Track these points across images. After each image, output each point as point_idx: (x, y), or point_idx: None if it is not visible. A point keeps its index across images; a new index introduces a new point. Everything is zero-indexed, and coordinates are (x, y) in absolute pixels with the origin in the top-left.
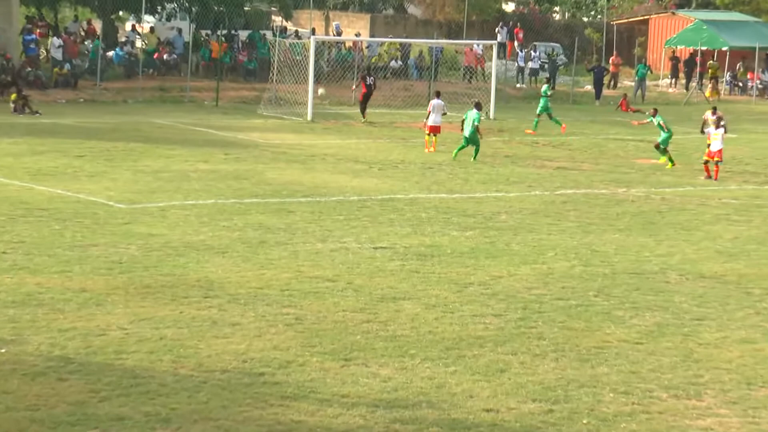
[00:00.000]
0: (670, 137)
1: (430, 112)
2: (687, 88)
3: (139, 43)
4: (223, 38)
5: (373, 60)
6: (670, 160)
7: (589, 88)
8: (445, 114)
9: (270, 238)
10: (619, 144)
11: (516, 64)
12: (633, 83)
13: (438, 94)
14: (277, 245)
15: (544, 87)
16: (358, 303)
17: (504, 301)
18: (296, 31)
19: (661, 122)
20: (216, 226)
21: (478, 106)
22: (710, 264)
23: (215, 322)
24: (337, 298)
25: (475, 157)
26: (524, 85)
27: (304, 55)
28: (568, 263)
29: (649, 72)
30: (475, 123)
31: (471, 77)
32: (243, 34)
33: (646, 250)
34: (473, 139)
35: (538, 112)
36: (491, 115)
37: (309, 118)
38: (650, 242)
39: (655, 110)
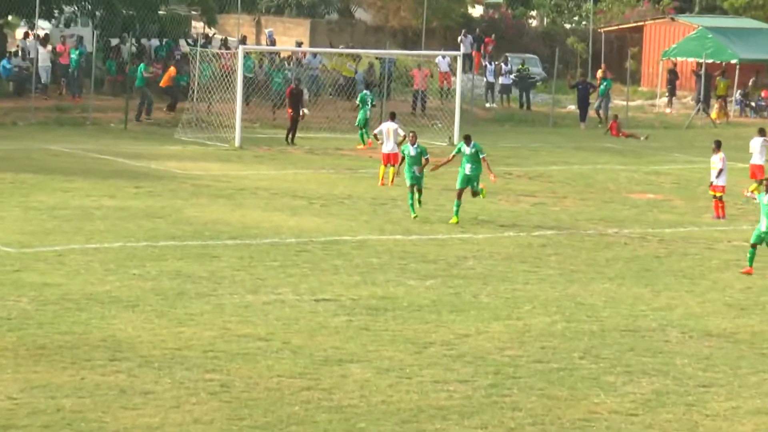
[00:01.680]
0: None
1: (377, 137)
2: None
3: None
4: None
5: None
6: None
7: (573, 108)
8: (403, 140)
9: (190, 289)
10: (608, 175)
11: (484, 80)
12: (615, 102)
13: (392, 116)
14: (198, 297)
15: (362, 95)
16: (296, 367)
17: (471, 365)
18: (224, 39)
19: None
20: (125, 274)
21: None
22: (718, 319)
23: (124, 391)
24: (271, 360)
25: (419, 203)
26: (494, 105)
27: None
28: (549, 318)
29: (593, 90)
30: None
31: (423, 104)
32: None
33: (642, 303)
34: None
35: (356, 124)
36: (455, 140)
37: (237, 143)
38: (646, 293)
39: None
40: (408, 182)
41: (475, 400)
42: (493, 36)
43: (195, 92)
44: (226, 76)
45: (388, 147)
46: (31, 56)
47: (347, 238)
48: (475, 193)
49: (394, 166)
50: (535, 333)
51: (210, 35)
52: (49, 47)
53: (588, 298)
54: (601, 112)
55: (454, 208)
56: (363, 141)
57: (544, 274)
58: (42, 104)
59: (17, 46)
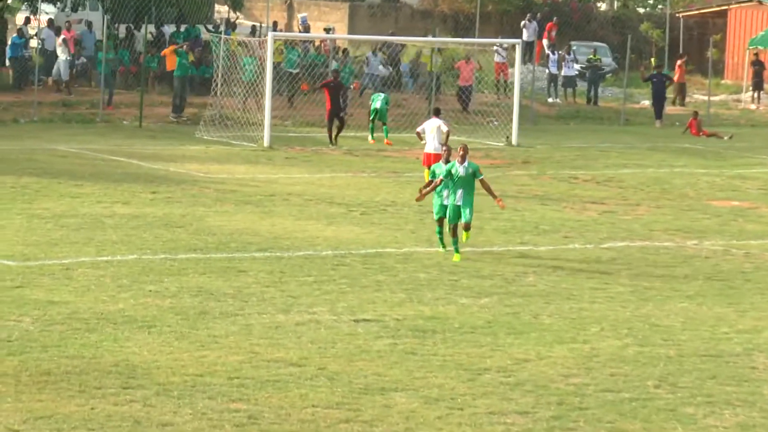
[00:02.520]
0: None
1: (420, 135)
2: None
3: (35, 43)
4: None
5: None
6: None
7: (647, 104)
8: (447, 137)
9: (213, 308)
10: (687, 180)
11: (547, 71)
12: (707, 97)
13: (437, 112)
14: (223, 317)
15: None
16: (333, 396)
17: (532, 394)
18: (254, 27)
19: None
20: (140, 290)
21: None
22: None
23: (138, 422)
24: (305, 389)
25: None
26: (558, 100)
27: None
28: (619, 342)
29: (669, 83)
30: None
31: (467, 103)
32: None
33: (725, 325)
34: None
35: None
36: (513, 140)
37: (266, 143)
38: (730, 314)
39: None
40: (435, 213)
41: None
42: (555, 19)
43: (219, 86)
44: (261, 70)
45: (431, 146)
46: (31, 45)
47: (391, 251)
48: (468, 225)
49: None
50: (603, 358)
51: (234, 20)
52: (61, 37)
53: (664, 319)
54: (643, 104)
55: (453, 246)
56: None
57: (613, 291)
58: (46, 98)
59: (17, 32)
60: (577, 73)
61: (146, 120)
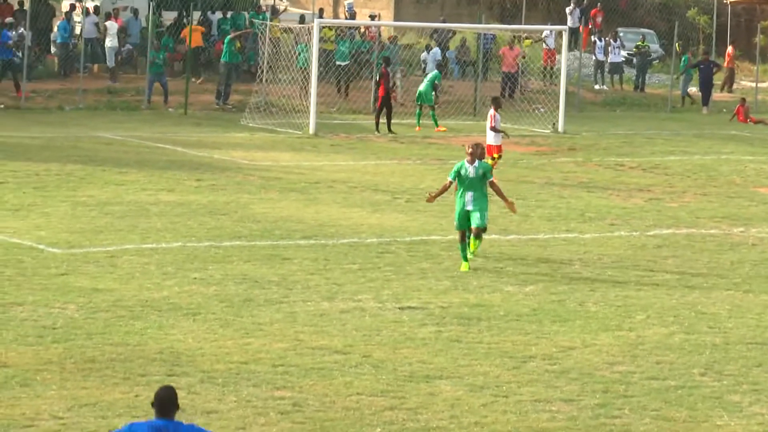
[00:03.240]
0: None
1: (494, 126)
2: None
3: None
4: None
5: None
6: None
7: (695, 90)
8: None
9: (258, 295)
10: (734, 167)
11: (593, 58)
12: (752, 84)
13: (496, 102)
14: (267, 304)
15: (434, 74)
16: (377, 383)
17: (577, 382)
18: (302, 16)
19: None
20: (185, 278)
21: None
22: None
23: (183, 410)
24: (350, 376)
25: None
26: (605, 86)
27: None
28: (665, 330)
29: (717, 69)
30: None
31: (512, 89)
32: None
33: None
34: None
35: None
36: (559, 127)
37: (311, 130)
38: None
39: None
40: (456, 224)
41: (581, 421)
42: (599, 5)
43: (264, 72)
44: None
45: (494, 138)
46: (76, 32)
47: (436, 238)
48: (480, 231)
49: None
50: (649, 346)
51: (280, 8)
52: (114, 22)
53: (710, 307)
54: (691, 91)
55: (461, 253)
56: (418, 121)
57: (659, 279)
58: (92, 85)
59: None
60: (623, 59)
61: (191, 107)
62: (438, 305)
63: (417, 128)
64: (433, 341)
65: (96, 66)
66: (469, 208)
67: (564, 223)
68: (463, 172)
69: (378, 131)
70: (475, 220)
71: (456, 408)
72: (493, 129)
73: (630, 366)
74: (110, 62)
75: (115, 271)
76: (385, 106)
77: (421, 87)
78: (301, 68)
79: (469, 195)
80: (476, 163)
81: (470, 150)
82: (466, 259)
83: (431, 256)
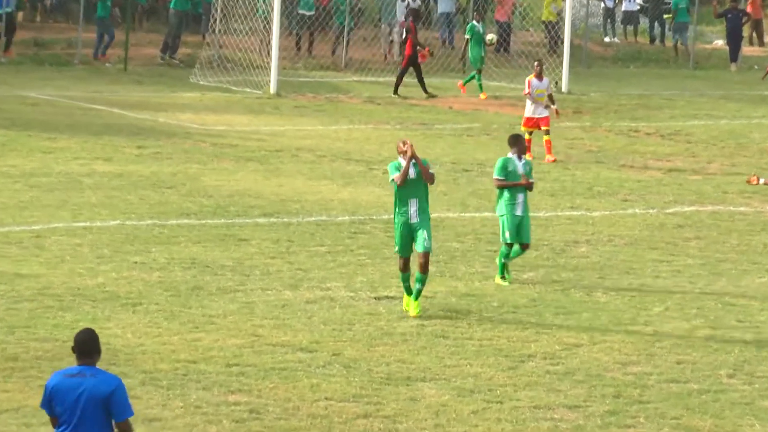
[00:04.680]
0: None
1: (529, 94)
2: None
3: None
4: None
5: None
6: None
7: (721, 44)
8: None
9: (209, 283)
10: (767, 133)
11: (602, 5)
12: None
13: (539, 68)
14: (220, 293)
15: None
16: (350, 387)
17: (583, 385)
18: None
19: None
20: (123, 262)
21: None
22: None
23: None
24: (317, 378)
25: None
26: (616, 39)
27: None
28: (687, 324)
29: (747, 19)
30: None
31: (507, 42)
32: None
33: None
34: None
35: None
36: (563, 86)
37: (272, 89)
38: None
39: None
40: (509, 236)
41: (588, 431)
42: None
43: (217, 21)
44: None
45: (535, 109)
46: None
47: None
48: (524, 247)
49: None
50: (668, 343)
51: None
52: None
53: (739, 298)
54: (679, 44)
55: (500, 270)
56: (481, 87)
57: (680, 264)
58: (16, 36)
59: None
60: (639, 7)
61: (132, 62)
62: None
63: (482, 95)
64: (415, 337)
65: (20, 13)
66: (521, 214)
67: (569, 199)
68: (510, 167)
69: (397, 94)
70: (526, 235)
71: (441, 416)
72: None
73: (646, 366)
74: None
75: (41, 254)
76: (412, 65)
77: (472, 49)
78: (261, 17)
79: (521, 197)
80: (520, 151)
81: (517, 146)
82: (504, 275)
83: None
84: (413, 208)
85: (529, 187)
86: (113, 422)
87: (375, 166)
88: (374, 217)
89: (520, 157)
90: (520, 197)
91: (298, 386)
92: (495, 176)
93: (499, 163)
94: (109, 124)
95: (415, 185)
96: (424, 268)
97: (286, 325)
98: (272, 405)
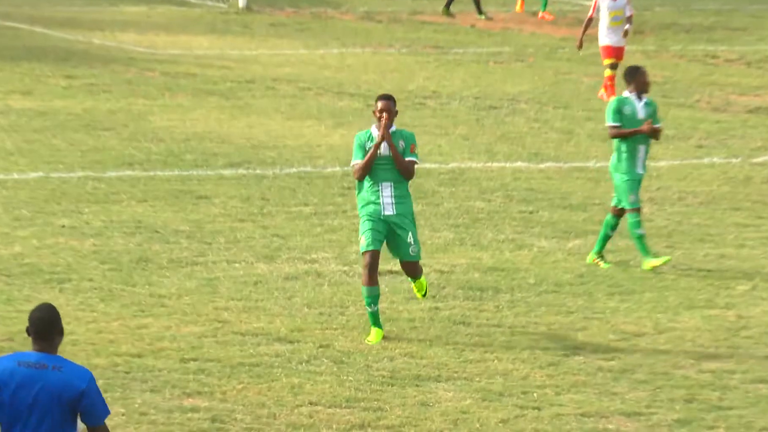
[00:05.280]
0: None
1: (592, 18)
2: None
3: None
4: None
5: None
6: None
7: None
8: (627, 31)
9: (160, 253)
10: None
11: None
12: None
13: None
14: (174, 267)
15: None
16: (342, 388)
17: (646, 386)
18: None
19: None
20: (47, 226)
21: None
22: None
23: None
24: (299, 377)
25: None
26: None
27: None
28: None
29: None
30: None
31: None
32: None
33: None
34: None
35: None
36: None
37: (241, 3)
38: None
39: None
40: (632, 198)
41: None
42: None
43: None
44: None
45: (610, 34)
46: None
47: (431, 167)
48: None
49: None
50: (756, 331)
51: None
52: None
53: None
54: None
55: (643, 248)
56: (545, 4)
57: None
58: None
59: None
60: None
61: None
62: (435, 268)
63: (543, 14)
64: (427, 324)
65: None
66: (641, 170)
67: None
68: (627, 110)
69: (449, 11)
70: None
71: (461, 426)
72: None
73: (727, 362)
74: None
75: None
76: None
77: None
78: None
79: (642, 150)
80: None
81: (636, 75)
82: (646, 251)
83: (423, 194)
84: (386, 194)
85: (654, 134)
86: (86, 427)
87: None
88: None
89: (639, 97)
90: (642, 150)
91: (274, 387)
92: (609, 123)
93: (612, 105)
94: (29, 47)
95: (387, 164)
96: (414, 272)
97: (258, 308)
98: (241, 411)
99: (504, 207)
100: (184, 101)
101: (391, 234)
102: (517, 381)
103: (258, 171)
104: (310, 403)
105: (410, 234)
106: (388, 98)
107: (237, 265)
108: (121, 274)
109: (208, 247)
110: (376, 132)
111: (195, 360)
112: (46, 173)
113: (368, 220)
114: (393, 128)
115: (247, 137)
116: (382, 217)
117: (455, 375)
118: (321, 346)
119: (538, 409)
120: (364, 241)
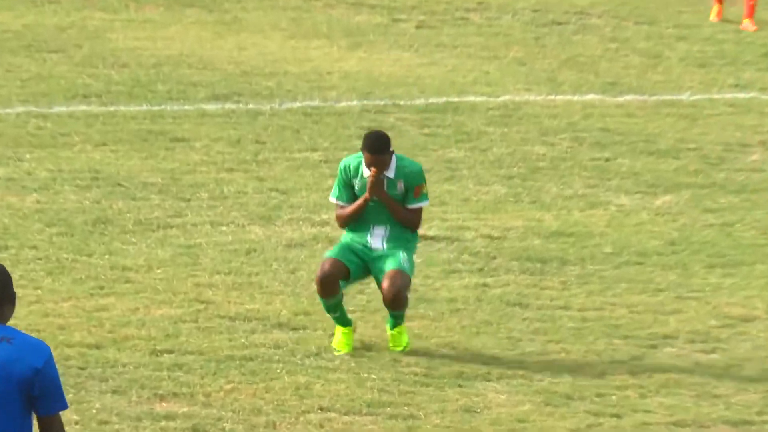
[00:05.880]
0: None
1: None
2: None
3: None
4: None
5: None
6: None
7: None
8: None
9: (124, 213)
10: None
11: None
12: None
13: None
14: (142, 231)
15: None
16: (361, 389)
17: (758, 385)
18: None
19: None
20: None
21: None
22: None
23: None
24: (307, 374)
25: None
26: None
27: None
28: None
29: None
30: None
31: None
32: None
33: None
34: None
35: None
36: None
37: None
38: None
39: None
40: None
41: None
42: None
43: None
44: None
45: None
46: None
47: (476, 100)
48: None
49: None
50: None
51: None
52: None
53: None
54: None
55: None
56: None
57: None
58: None
59: None
60: None
61: None
62: (482, 233)
63: None
64: (472, 306)
65: None
66: None
67: (731, 72)
68: None
69: None
70: None
71: None
72: None
73: None
74: None
75: None
76: None
77: None
78: None
79: None
80: None
81: None
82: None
83: (467, 136)
84: (378, 234)
85: None
86: (37, 418)
87: (402, 14)
88: (401, 102)
89: None
90: None
91: (273, 388)
92: None
93: None
94: None
95: (379, 211)
96: (395, 303)
97: (252, 285)
98: (230, 419)
99: (571, 153)
100: (155, 15)
101: (375, 261)
102: (590, 380)
103: (251, 106)
104: (321, 409)
105: (403, 252)
106: (380, 150)
107: (224, 228)
108: (73, 240)
109: (186, 205)
110: (366, 171)
111: (170, 352)
112: None
113: (346, 243)
114: (389, 168)
115: (236, 62)
116: (367, 247)
117: (509, 373)
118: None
119: (618, 416)
120: (328, 252)
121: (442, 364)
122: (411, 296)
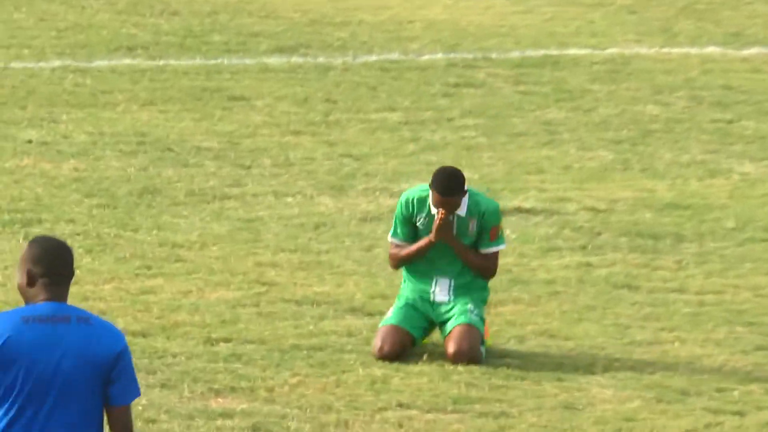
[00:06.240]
0: None
1: None
2: None
3: None
4: None
5: None
6: None
7: None
8: None
9: (173, 181)
10: None
11: None
12: None
13: None
14: (195, 204)
15: None
16: (446, 383)
17: None
18: None
19: None
20: (5, 141)
21: None
22: None
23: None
24: (385, 366)
25: None
26: None
27: None
28: None
29: None
30: None
31: None
32: None
33: None
34: None
35: None
36: None
37: None
38: None
39: None
40: None
41: None
42: None
43: None
44: None
45: None
46: None
47: (579, 53)
48: None
49: None
50: None
51: None
52: None
53: None
54: None
55: None
56: None
57: None
58: None
59: None
60: None
61: None
62: (586, 205)
63: None
64: (574, 287)
65: None
66: None
67: None
68: None
69: None
70: None
71: None
72: None
73: None
74: None
75: None
76: None
77: None
78: None
79: None
80: None
81: None
82: None
83: (569, 94)
84: (443, 284)
85: None
86: (106, 407)
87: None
88: (492, 56)
89: None
90: None
91: (346, 382)
92: None
93: None
94: None
95: (444, 254)
96: (470, 349)
97: (322, 264)
98: (296, 417)
99: (689, 114)
100: None
101: (440, 315)
102: (710, 374)
103: (320, 59)
104: (400, 406)
105: (471, 303)
106: (452, 191)
107: (289, 199)
108: (116, 213)
109: (246, 174)
110: (434, 210)
111: (227, 341)
112: (5, 63)
113: (407, 302)
114: (461, 206)
115: (303, 9)
116: (430, 301)
117: (616, 364)
118: None
119: (740, 414)
120: (388, 314)
121: (539, 355)
122: (484, 350)
